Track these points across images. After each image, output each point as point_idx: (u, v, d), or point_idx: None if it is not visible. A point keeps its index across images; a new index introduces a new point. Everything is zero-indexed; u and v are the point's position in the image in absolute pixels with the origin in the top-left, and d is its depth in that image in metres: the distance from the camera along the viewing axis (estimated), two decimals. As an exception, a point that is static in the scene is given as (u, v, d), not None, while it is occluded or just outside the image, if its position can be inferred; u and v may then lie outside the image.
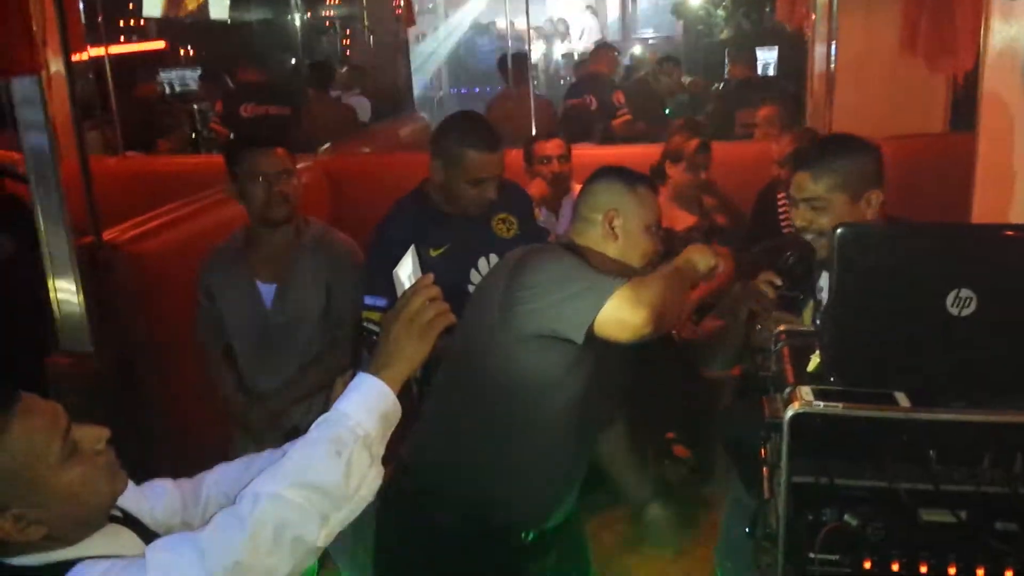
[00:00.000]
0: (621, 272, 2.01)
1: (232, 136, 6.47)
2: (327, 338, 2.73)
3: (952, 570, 1.53)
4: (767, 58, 6.37)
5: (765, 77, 6.54)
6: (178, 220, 3.41)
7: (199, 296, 2.81)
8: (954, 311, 1.49)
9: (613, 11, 15.76)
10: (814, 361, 1.67)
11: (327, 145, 5.02)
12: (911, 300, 1.51)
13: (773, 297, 2.06)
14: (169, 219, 3.40)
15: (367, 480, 1.35)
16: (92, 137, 4.68)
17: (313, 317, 2.71)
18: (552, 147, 3.90)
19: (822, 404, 1.52)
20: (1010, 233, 1.60)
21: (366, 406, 1.38)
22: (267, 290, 2.72)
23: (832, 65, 5.28)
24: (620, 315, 1.84)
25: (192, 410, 3.11)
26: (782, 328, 1.87)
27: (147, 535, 1.43)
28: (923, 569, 1.54)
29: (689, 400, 3.43)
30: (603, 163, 4.49)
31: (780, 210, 3.80)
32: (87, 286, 2.92)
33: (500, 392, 2.01)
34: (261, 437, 2.64)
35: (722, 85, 6.36)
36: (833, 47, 4.99)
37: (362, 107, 7.16)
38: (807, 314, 2.20)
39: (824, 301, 2.12)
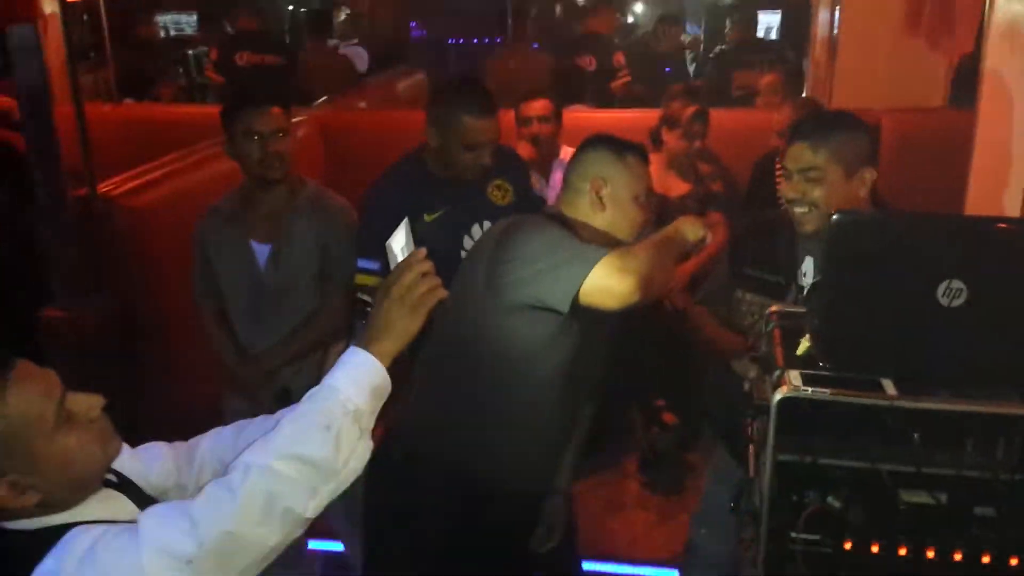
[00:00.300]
0: (608, 244, 2.01)
1: (226, 83, 6.41)
2: (321, 299, 2.74)
3: (930, 553, 1.57)
4: (770, 22, 6.30)
5: (764, 40, 6.48)
6: (174, 173, 3.39)
7: (194, 254, 2.81)
8: (944, 301, 1.51)
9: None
10: (803, 344, 1.69)
11: (323, 99, 4.96)
12: (902, 289, 1.53)
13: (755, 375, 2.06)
14: (165, 172, 3.38)
15: (356, 453, 1.37)
16: (86, 81, 4.62)
17: (307, 278, 2.71)
18: (535, 108, 3.80)
19: (810, 390, 1.55)
20: (1003, 227, 1.61)
21: (356, 380, 1.39)
22: (262, 250, 2.71)
23: (835, 31, 5.26)
24: (606, 283, 1.85)
25: (186, 365, 3.12)
26: (774, 309, 1.89)
27: (141, 499, 1.45)
28: (902, 552, 1.57)
29: (678, 367, 3.46)
30: (598, 127, 4.50)
31: (778, 180, 3.80)
32: (81, 239, 2.91)
33: (488, 359, 2.04)
34: (253, 396, 2.66)
35: (722, 47, 6.30)
36: (837, 13, 4.96)
37: (359, 57, 7.07)
38: (789, 299, 2.20)
39: (807, 286, 2.16)
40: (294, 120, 2.89)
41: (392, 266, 1.51)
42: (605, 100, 5.38)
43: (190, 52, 7.14)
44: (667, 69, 6.12)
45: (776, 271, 2.24)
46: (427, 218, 2.58)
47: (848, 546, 1.59)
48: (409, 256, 1.48)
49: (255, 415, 2.62)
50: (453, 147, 2.53)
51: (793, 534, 1.61)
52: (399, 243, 1.52)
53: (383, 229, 2.54)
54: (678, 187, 3.94)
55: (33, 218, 2.93)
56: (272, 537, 1.30)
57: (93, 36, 5.56)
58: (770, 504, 1.62)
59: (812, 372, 1.59)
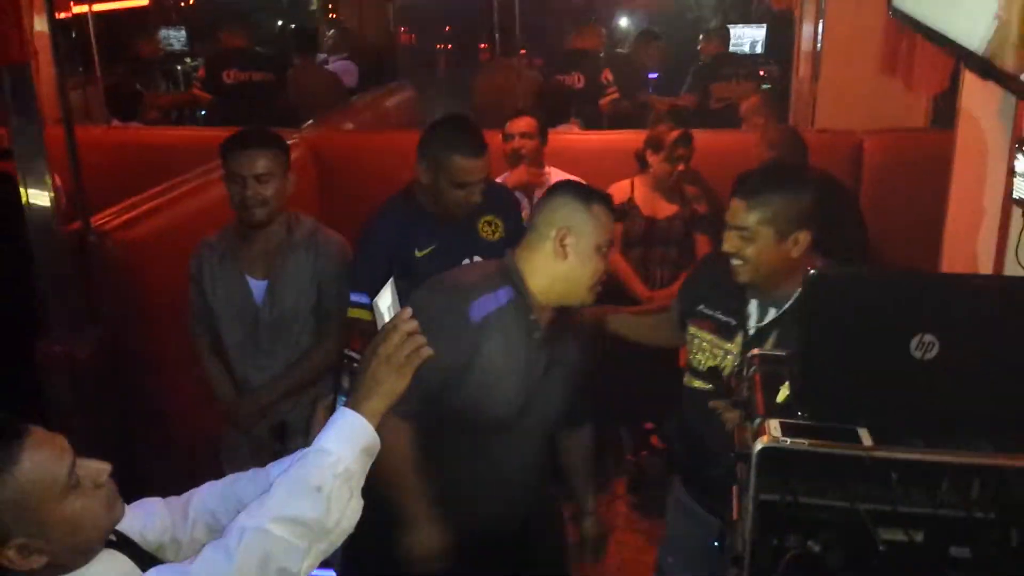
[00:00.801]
0: (560, 296, 2.11)
1: (214, 100, 6.43)
2: (316, 335, 2.78)
3: (906, 595, 1.62)
4: (755, 36, 6.36)
5: (737, 54, 6.54)
6: (168, 204, 3.43)
7: (190, 288, 2.85)
8: (917, 354, 1.56)
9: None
10: (783, 392, 1.75)
11: (311, 121, 5.00)
12: (876, 342, 1.59)
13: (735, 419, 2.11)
14: (158, 203, 3.41)
15: (347, 513, 1.42)
16: (73, 98, 4.62)
17: (303, 314, 2.76)
18: (518, 125, 3.88)
19: (789, 440, 1.60)
20: (973, 283, 1.67)
21: (346, 441, 1.44)
22: (258, 286, 2.75)
23: (819, 46, 5.32)
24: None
25: (180, 397, 3.16)
26: (755, 352, 1.94)
27: (138, 556, 1.49)
28: (879, 594, 1.63)
29: (667, 391, 3.51)
30: (587, 149, 4.57)
31: None
32: (75, 273, 2.95)
33: (426, 422, 2.08)
34: (249, 431, 2.71)
35: (700, 62, 6.36)
36: (820, 27, 5.03)
37: (348, 73, 7.09)
38: (739, 339, 2.28)
39: (752, 328, 2.25)
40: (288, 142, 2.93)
41: (379, 324, 1.55)
42: (593, 119, 5.42)
43: (179, 68, 7.17)
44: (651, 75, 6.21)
45: (729, 312, 2.29)
46: (418, 254, 2.64)
47: (827, 588, 1.64)
48: (395, 317, 1.53)
49: (252, 449, 2.70)
50: (443, 185, 2.58)
51: (775, 577, 1.66)
52: (385, 302, 1.56)
53: (376, 264, 2.62)
54: (664, 209, 4.00)
55: (28, 251, 2.95)
56: None
57: (82, 53, 5.60)
58: (752, 548, 1.68)
59: (791, 421, 1.64)
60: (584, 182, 2.28)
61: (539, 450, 2.27)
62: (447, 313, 2.04)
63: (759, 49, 6.44)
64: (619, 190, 4.08)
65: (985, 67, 1.62)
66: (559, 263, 2.09)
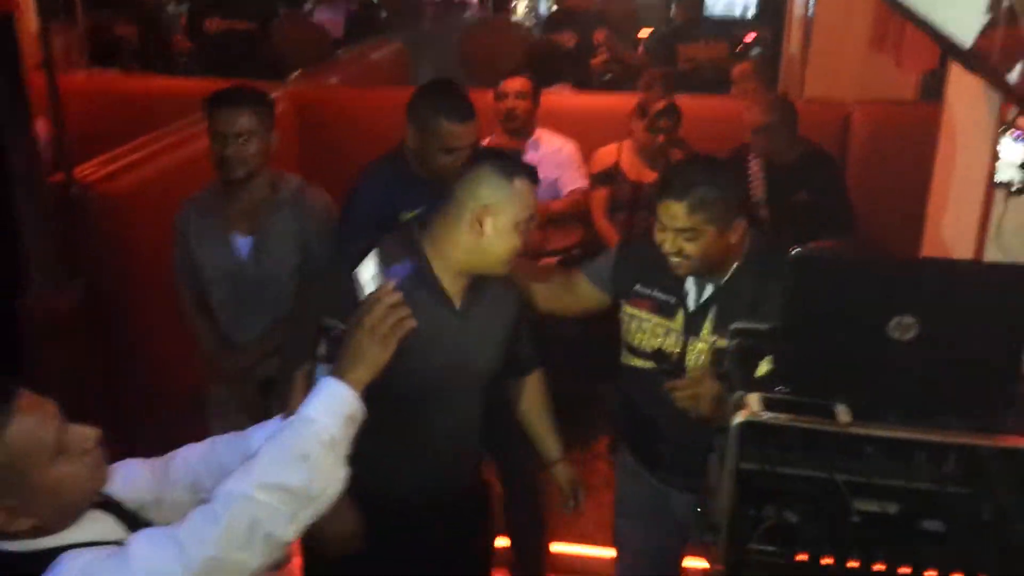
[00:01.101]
0: (468, 269, 2.08)
1: (196, 49, 6.32)
2: (300, 294, 2.77)
3: (878, 566, 1.67)
4: (747, 1, 6.33)
5: (712, 18, 6.46)
6: (151, 156, 3.39)
7: (175, 242, 2.84)
8: (896, 335, 1.60)
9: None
10: (763, 366, 1.78)
11: (296, 74, 4.94)
12: (856, 323, 1.62)
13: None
14: (142, 155, 3.38)
15: (333, 480, 1.46)
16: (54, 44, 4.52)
17: (288, 271, 2.76)
18: (512, 85, 3.86)
19: (768, 415, 1.64)
20: (951, 266, 1.69)
21: (331, 410, 1.48)
22: (243, 243, 2.75)
23: (810, 12, 5.30)
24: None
25: (163, 352, 3.17)
26: (737, 326, 1.97)
27: (123, 515, 1.52)
28: (851, 564, 1.68)
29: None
30: (577, 112, 4.53)
31: (750, 172, 3.86)
32: (58, 226, 2.92)
33: None
34: (235, 386, 2.72)
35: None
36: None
37: (334, 24, 6.96)
38: (679, 317, 2.30)
39: (691, 306, 2.28)
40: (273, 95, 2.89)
41: (361, 294, 1.56)
42: (584, 80, 5.38)
43: (161, 15, 7.02)
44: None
45: (667, 290, 2.30)
46: (404, 217, 2.63)
47: (801, 558, 1.69)
48: (379, 288, 1.56)
49: (239, 405, 2.71)
50: (431, 149, 2.58)
51: (751, 545, 1.71)
52: (368, 272, 1.60)
53: (363, 226, 2.61)
54: (650, 175, 4.01)
55: (8, 204, 2.92)
56: (253, 561, 1.39)
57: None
58: (730, 516, 1.72)
59: (771, 396, 1.67)
60: (506, 153, 2.22)
61: (468, 416, 2.25)
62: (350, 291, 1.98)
63: (750, 14, 6.40)
64: (606, 154, 4.08)
65: (970, 60, 1.63)
66: (475, 238, 2.04)
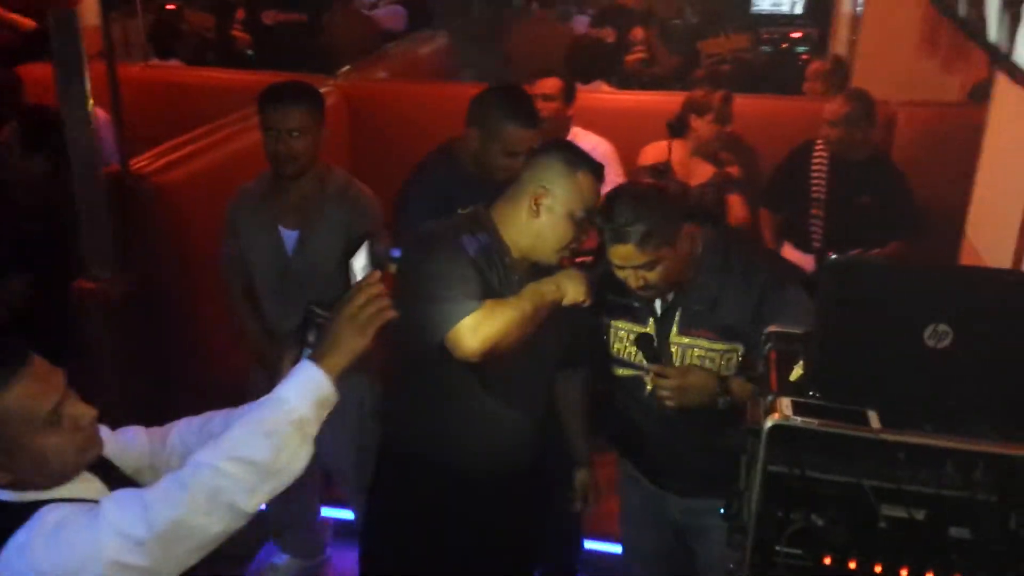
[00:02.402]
0: (524, 256, 2.16)
1: (252, 42, 6.43)
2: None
3: (904, 572, 1.69)
4: (794, -3, 6.28)
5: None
6: (204, 148, 3.48)
7: (225, 233, 2.92)
8: (930, 343, 1.61)
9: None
10: (796, 371, 1.80)
11: (346, 68, 5.01)
12: (891, 330, 1.63)
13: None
14: (195, 147, 3.47)
15: (297, 457, 1.52)
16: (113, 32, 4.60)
17: (332, 265, 2.80)
18: (545, 86, 3.79)
19: (799, 419, 1.66)
20: (987, 275, 1.70)
21: (303, 392, 1.54)
22: (289, 236, 2.83)
23: (858, 10, 5.25)
24: (458, 341, 2.03)
25: (210, 340, 3.26)
26: (772, 329, 1.98)
27: (113, 479, 1.61)
28: (877, 569, 1.70)
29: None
30: (616, 109, 4.53)
31: (814, 170, 3.84)
32: (113, 215, 3.02)
33: (422, 363, 2.19)
34: (276, 376, 2.79)
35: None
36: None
37: (397, 17, 7.01)
38: (651, 321, 2.32)
39: (658, 310, 2.31)
40: (322, 89, 2.94)
41: (351, 283, 1.62)
42: (624, 78, 5.36)
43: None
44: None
45: (636, 297, 2.30)
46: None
47: (827, 562, 1.71)
48: (364, 279, 1.60)
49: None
50: (493, 151, 2.63)
51: (777, 547, 1.73)
52: (360, 263, 1.63)
53: (418, 223, 2.67)
54: (699, 175, 4.01)
55: (67, 190, 3.03)
56: (214, 527, 1.47)
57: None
58: (757, 519, 1.75)
59: (802, 400, 1.69)
60: (577, 147, 2.28)
61: (539, 389, 2.36)
62: (452, 256, 2.12)
63: (798, 10, 6.34)
64: (657, 150, 4.04)
65: (1013, 71, 1.64)
66: (531, 219, 2.14)
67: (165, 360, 3.15)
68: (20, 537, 1.41)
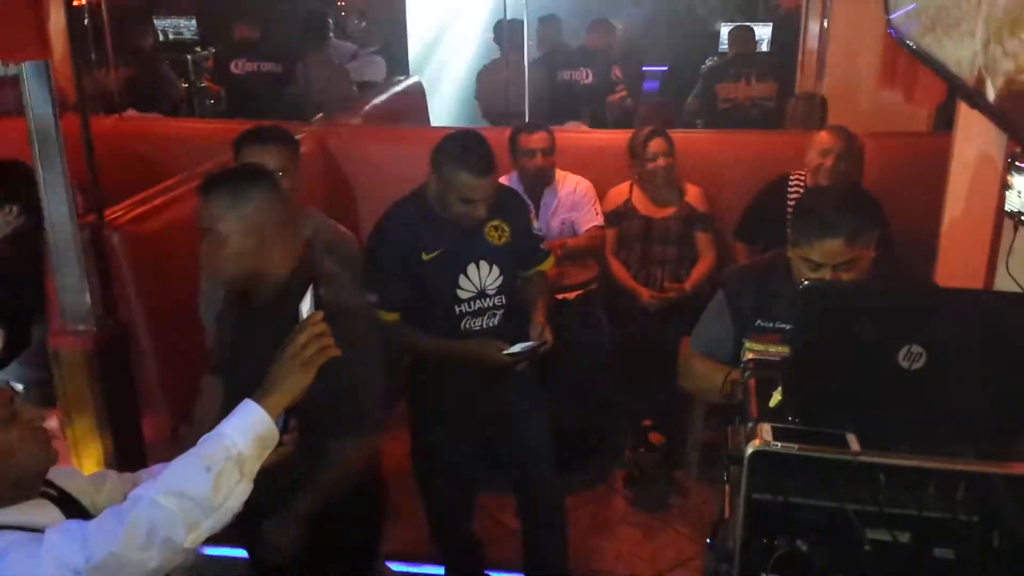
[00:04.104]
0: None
1: (224, 91, 6.46)
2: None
3: (889, 595, 1.69)
4: (761, 34, 6.39)
5: (757, 54, 6.48)
6: (179, 197, 3.48)
7: (201, 279, 2.91)
8: (905, 364, 1.63)
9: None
10: (775, 397, 1.81)
11: (319, 115, 5.06)
12: (866, 352, 1.65)
13: None
14: (170, 197, 3.47)
15: (234, 494, 1.54)
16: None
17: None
18: (537, 140, 3.92)
19: (779, 445, 1.67)
20: (960, 297, 1.73)
21: (243, 429, 1.56)
22: (266, 280, 2.81)
23: (823, 45, 5.35)
24: None
25: (190, 389, 3.22)
26: (750, 356, 2.01)
27: (74, 513, 1.63)
28: (863, 593, 1.70)
29: (665, 388, 3.57)
30: (592, 147, 4.62)
31: (791, 202, 3.90)
32: (89, 265, 3.00)
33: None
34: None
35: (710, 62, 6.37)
36: (825, 25, 5.06)
37: (376, 67, 7.06)
38: None
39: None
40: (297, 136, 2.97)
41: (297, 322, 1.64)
42: (600, 118, 5.46)
43: (189, 57, 7.20)
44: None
45: (788, 319, 2.26)
46: (424, 257, 2.69)
47: (814, 587, 1.71)
48: (307, 319, 1.63)
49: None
50: (450, 198, 2.64)
51: (764, 575, 1.73)
52: (306, 306, 1.65)
53: (384, 268, 2.69)
54: (662, 209, 4.08)
55: (39, 243, 3.01)
56: (151, 561, 1.49)
57: (95, 41, 5.61)
58: (742, 547, 1.75)
59: (782, 426, 1.71)
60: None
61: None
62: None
63: (764, 47, 6.46)
64: (618, 193, 4.17)
65: (972, 97, 1.68)
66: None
67: (144, 410, 3.12)
68: None
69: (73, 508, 1.64)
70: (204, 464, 1.51)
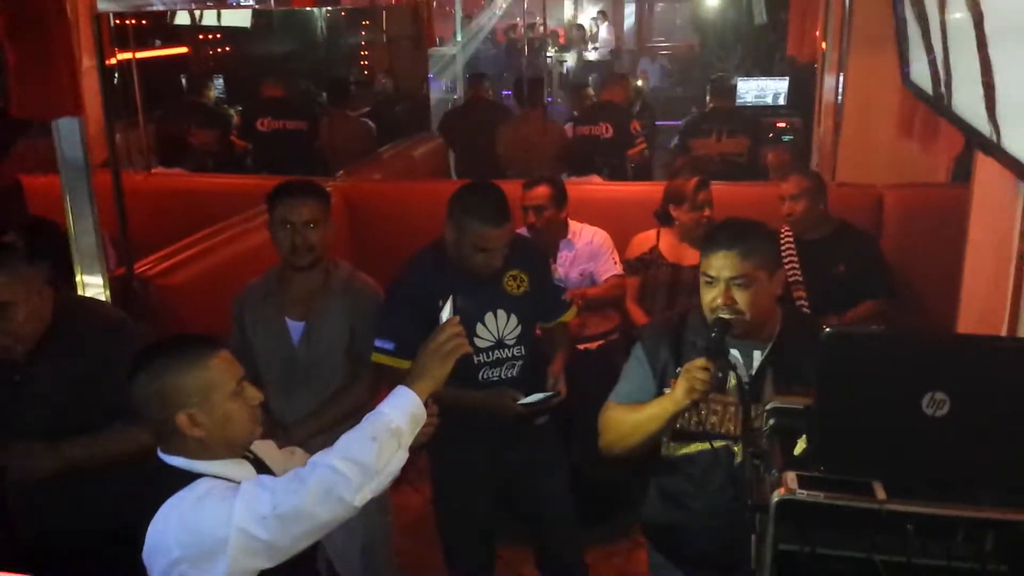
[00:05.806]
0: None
1: (250, 148, 6.62)
2: (350, 375, 2.89)
3: (918, 649, 1.67)
4: (778, 88, 6.47)
5: (739, 108, 6.43)
6: (207, 250, 3.55)
7: (232, 327, 2.97)
8: (929, 411, 1.63)
9: (629, 19, 15.98)
10: (800, 445, 1.81)
11: (342, 171, 5.15)
12: (890, 399, 1.65)
13: (708, 379, 2.15)
14: (198, 249, 3.54)
15: (393, 460, 1.83)
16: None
17: (337, 355, 2.87)
18: (536, 196, 3.84)
19: (805, 493, 1.66)
20: (982, 343, 1.73)
21: (399, 408, 1.87)
22: (296, 327, 2.89)
23: (839, 98, 5.40)
24: None
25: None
26: (772, 406, 2.00)
27: (264, 472, 1.94)
28: (891, 647, 1.67)
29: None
30: (610, 200, 4.66)
31: (785, 255, 3.91)
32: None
33: None
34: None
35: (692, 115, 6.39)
36: (841, 79, 5.11)
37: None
38: (732, 389, 2.28)
39: (745, 376, 2.27)
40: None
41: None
42: (619, 171, 5.51)
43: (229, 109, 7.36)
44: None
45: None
46: (442, 303, 2.72)
47: (842, 640, 1.69)
48: (446, 321, 1.98)
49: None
50: (466, 247, 2.69)
51: (792, 628, 1.71)
52: (446, 313, 2.02)
53: (400, 316, 2.72)
54: (690, 257, 4.07)
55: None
56: (324, 515, 1.77)
57: (126, 97, 5.76)
58: (771, 598, 1.73)
59: (807, 474, 1.70)
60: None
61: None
62: None
63: (781, 101, 6.53)
64: (644, 240, 4.14)
65: (988, 147, 1.70)
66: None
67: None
68: (182, 493, 1.76)
69: (265, 471, 1.94)
70: (370, 435, 1.81)
